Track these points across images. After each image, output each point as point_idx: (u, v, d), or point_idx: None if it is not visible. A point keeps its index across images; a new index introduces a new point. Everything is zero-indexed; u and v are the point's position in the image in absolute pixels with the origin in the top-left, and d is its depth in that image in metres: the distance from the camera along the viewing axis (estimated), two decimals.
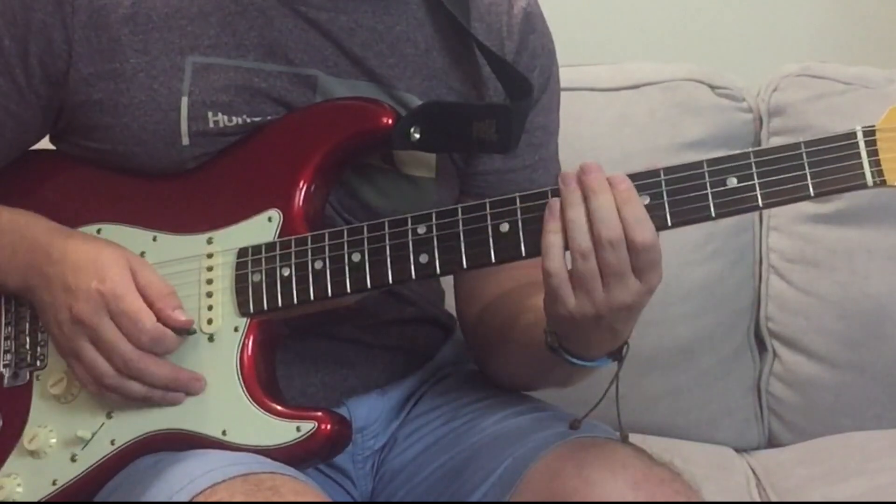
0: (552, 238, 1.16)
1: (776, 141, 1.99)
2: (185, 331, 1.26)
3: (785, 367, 1.97)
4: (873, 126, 1.14)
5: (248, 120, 1.32)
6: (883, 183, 1.12)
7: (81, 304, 1.24)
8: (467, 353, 1.51)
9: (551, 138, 1.48)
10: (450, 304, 1.57)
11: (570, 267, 1.16)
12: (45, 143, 1.42)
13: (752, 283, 1.99)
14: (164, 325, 1.25)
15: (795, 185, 1.14)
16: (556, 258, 1.16)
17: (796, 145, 1.15)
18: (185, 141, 1.31)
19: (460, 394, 1.44)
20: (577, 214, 1.15)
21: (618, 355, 1.25)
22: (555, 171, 1.47)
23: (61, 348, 1.28)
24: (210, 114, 1.31)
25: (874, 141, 1.13)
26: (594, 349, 1.23)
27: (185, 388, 1.27)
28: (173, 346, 1.26)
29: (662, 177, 1.17)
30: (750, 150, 1.17)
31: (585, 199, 1.16)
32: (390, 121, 1.29)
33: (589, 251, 1.14)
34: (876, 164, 1.12)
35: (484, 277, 1.39)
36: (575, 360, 1.24)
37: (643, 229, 1.14)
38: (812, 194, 1.14)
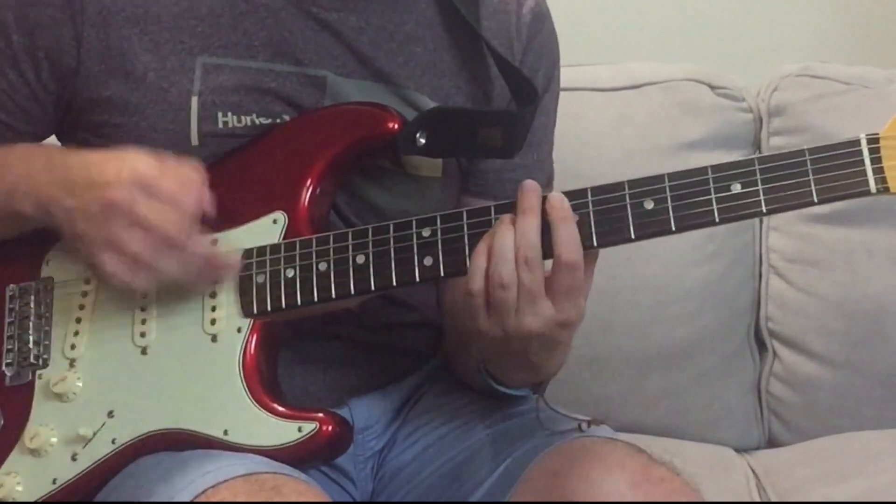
0: (480, 261, 1.18)
1: (776, 141, 1.99)
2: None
3: (785, 367, 1.98)
4: (877, 134, 1.14)
5: (258, 120, 1.32)
6: (886, 190, 1.13)
7: (114, 190, 1.20)
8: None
9: (548, 137, 1.49)
10: None
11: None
12: (48, 142, 1.43)
13: (752, 283, 1.99)
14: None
15: (799, 191, 1.15)
16: (478, 281, 1.17)
17: (800, 152, 1.16)
18: (195, 141, 1.31)
19: (460, 394, 1.44)
20: (502, 245, 1.17)
21: (539, 390, 1.29)
22: (548, 170, 1.48)
23: (91, 246, 1.22)
24: (220, 114, 1.32)
25: (878, 149, 1.14)
26: (513, 378, 1.27)
27: (220, 267, 1.25)
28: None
29: (667, 182, 1.18)
30: (754, 156, 1.18)
31: (515, 218, 1.18)
32: (396, 126, 1.30)
33: (510, 283, 1.16)
34: (879, 171, 1.13)
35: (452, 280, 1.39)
36: (496, 386, 1.28)
37: (570, 249, 1.16)
38: (815, 201, 1.15)
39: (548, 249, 1.17)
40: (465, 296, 1.19)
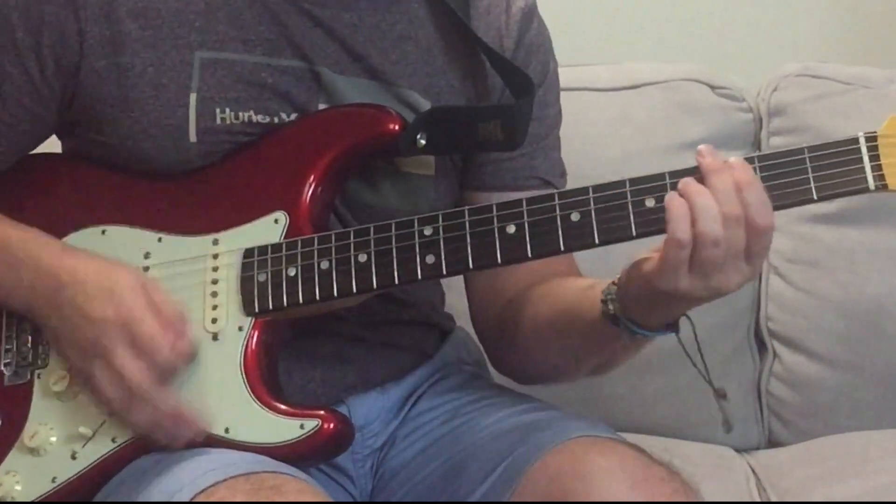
0: (682, 210, 1.15)
1: (776, 141, 1.99)
2: (192, 358, 1.27)
3: (785, 367, 1.98)
4: (875, 132, 1.16)
5: (255, 117, 1.32)
6: (884, 187, 1.15)
7: (100, 330, 1.23)
8: (483, 349, 1.52)
9: (551, 129, 1.48)
10: (449, 304, 1.57)
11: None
12: (49, 144, 1.42)
13: (752, 283, 1.99)
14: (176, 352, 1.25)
15: (799, 188, 1.16)
16: (687, 230, 1.14)
17: (799, 150, 1.17)
18: (193, 138, 1.32)
19: (460, 393, 1.44)
20: (705, 202, 1.15)
21: (675, 327, 1.26)
22: (555, 159, 1.48)
23: (76, 370, 1.28)
24: (217, 110, 1.32)
25: (876, 146, 1.15)
26: (655, 320, 1.24)
27: (184, 424, 1.25)
28: (183, 366, 1.26)
29: (668, 180, 1.19)
30: (754, 154, 1.18)
31: (705, 178, 1.16)
32: (397, 127, 1.30)
33: (721, 239, 1.14)
34: (878, 168, 1.15)
35: (499, 277, 1.40)
36: (637, 330, 1.25)
37: (766, 212, 1.15)
38: (815, 198, 1.17)
39: None
40: (672, 249, 1.15)
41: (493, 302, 1.44)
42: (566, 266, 1.41)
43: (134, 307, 1.24)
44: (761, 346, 2.01)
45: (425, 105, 1.37)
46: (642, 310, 1.23)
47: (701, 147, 1.19)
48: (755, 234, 1.15)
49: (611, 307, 1.25)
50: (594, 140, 1.93)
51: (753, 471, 1.88)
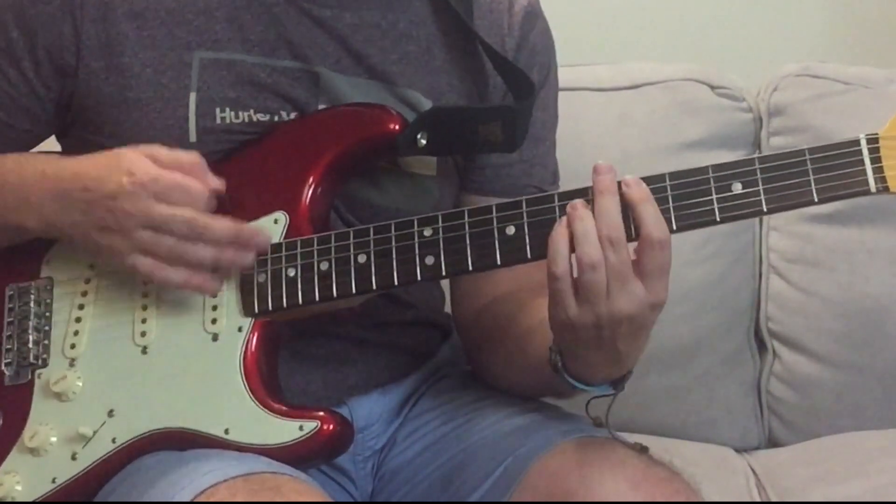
0: (560, 243, 1.15)
1: (776, 141, 1.99)
2: (221, 191, 1.26)
3: (785, 367, 1.98)
4: (876, 134, 1.15)
5: (255, 116, 1.33)
6: (886, 190, 1.14)
7: (124, 201, 1.22)
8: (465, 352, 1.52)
9: (549, 133, 1.49)
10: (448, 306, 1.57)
11: (576, 275, 1.15)
12: (48, 145, 1.42)
13: (752, 283, 1.99)
14: None
15: (799, 190, 1.16)
16: (562, 262, 1.15)
17: (800, 152, 1.16)
18: (193, 138, 1.32)
19: (460, 393, 1.44)
20: (584, 226, 1.14)
21: (620, 386, 1.25)
22: (551, 166, 1.48)
23: (120, 255, 1.25)
24: (217, 110, 1.32)
25: (877, 148, 1.14)
26: (596, 371, 1.22)
27: (250, 239, 1.25)
28: (213, 207, 1.25)
29: (668, 182, 1.18)
30: (755, 156, 1.18)
31: (593, 198, 1.16)
32: (397, 127, 1.30)
33: (598, 263, 1.13)
34: (879, 171, 1.14)
35: (482, 277, 1.38)
36: (575, 383, 1.24)
37: (657, 227, 1.14)
38: (816, 200, 1.16)
39: (626, 231, 1.15)
40: (550, 282, 1.15)
41: (472, 301, 1.44)
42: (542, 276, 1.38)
43: (146, 167, 1.23)
44: (761, 346, 2.01)
45: (426, 105, 1.37)
46: (579, 363, 1.22)
47: (596, 165, 1.17)
48: (650, 250, 1.14)
49: (552, 357, 1.24)
50: (594, 140, 1.93)
51: (753, 471, 1.88)
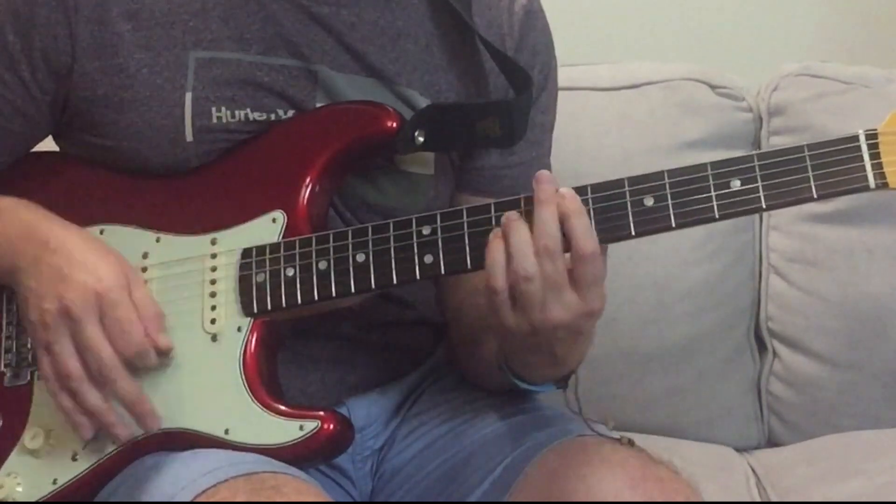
0: (496, 256, 1.17)
1: (776, 140, 1.99)
2: (165, 355, 1.26)
3: (785, 366, 1.97)
4: (875, 130, 1.15)
5: (252, 115, 1.32)
6: (885, 185, 1.14)
7: (73, 296, 1.22)
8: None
9: (547, 135, 1.49)
10: None
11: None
12: (46, 144, 1.42)
13: (752, 283, 1.99)
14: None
15: (798, 186, 1.16)
16: (499, 277, 1.17)
17: (799, 148, 1.16)
18: (189, 137, 1.32)
19: (458, 393, 1.44)
20: (519, 239, 1.16)
21: (563, 384, 1.27)
22: (546, 166, 1.47)
23: (35, 337, 1.26)
24: (213, 109, 1.32)
25: (876, 144, 1.14)
26: (537, 372, 1.26)
27: (141, 415, 1.25)
28: (153, 364, 1.26)
29: (667, 179, 1.18)
30: (754, 152, 1.18)
31: (524, 212, 1.17)
32: (395, 124, 1.30)
33: (533, 275, 1.15)
34: (878, 166, 1.14)
35: (457, 278, 1.40)
36: (518, 382, 1.27)
37: (588, 239, 1.15)
38: (815, 196, 1.16)
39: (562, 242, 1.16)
40: (488, 293, 1.18)
41: (455, 293, 1.45)
42: None
43: (115, 288, 1.24)
44: (761, 345, 2.01)
45: (424, 102, 1.37)
46: (520, 365, 1.25)
47: (538, 173, 1.19)
48: (581, 263, 1.15)
49: (500, 358, 1.27)
50: (594, 140, 1.93)
51: (753, 470, 1.88)
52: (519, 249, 1.16)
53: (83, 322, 1.22)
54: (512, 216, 1.18)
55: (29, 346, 1.33)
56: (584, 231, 1.15)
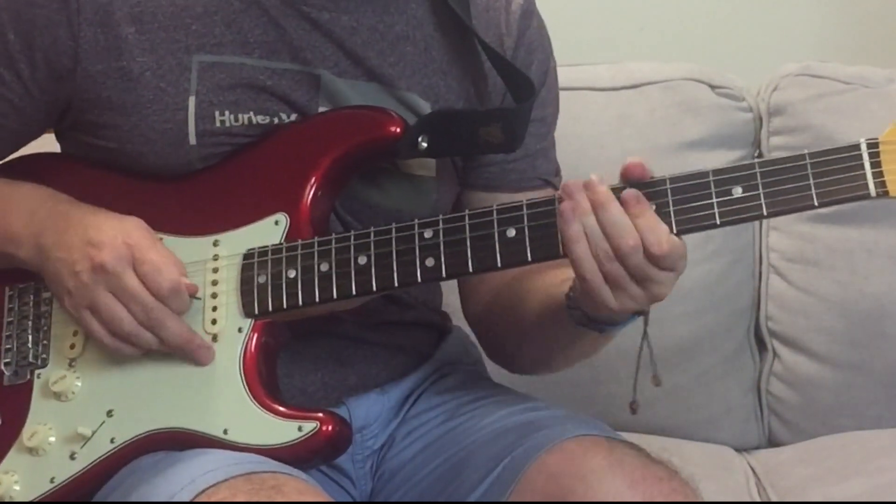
0: (579, 247, 1.19)
1: (776, 140, 1.99)
2: (193, 296, 1.28)
3: (785, 366, 1.98)
4: (876, 139, 1.16)
5: (255, 119, 1.33)
6: (885, 194, 1.15)
7: (106, 253, 1.24)
8: (480, 346, 1.53)
9: (550, 129, 1.49)
10: (447, 303, 1.57)
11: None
12: (47, 145, 1.42)
13: (752, 283, 1.99)
14: None
15: (799, 194, 1.16)
16: (588, 264, 1.18)
17: (801, 156, 1.17)
18: (193, 140, 1.32)
19: (458, 393, 1.44)
20: (593, 221, 1.18)
21: (642, 310, 1.27)
22: (553, 158, 1.49)
23: (76, 302, 1.27)
24: (217, 113, 1.32)
25: (877, 153, 1.15)
26: (619, 313, 1.25)
27: (195, 349, 1.27)
28: (185, 305, 1.27)
29: (668, 185, 1.19)
30: (755, 160, 1.19)
31: (595, 212, 1.18)
32: (399, 130, 1.30)
33: (617, 253, 1.17)
34: (879, 175, 1.15)
35: (478, 281, 1.42)
36: (606, 328, 1.28)
37: (659, 238, 1.18)
38: (816, 204, 1.16)
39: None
40: (585, 286, 1.20)
41: (480, 292, 1.45)
42: None
43: (143, 237, 1.26)
44: (761, 345, 2.01)
45: (424, 106, 1.37)
46: (607, 318, 1.27)
47: (564, 185, 1.21)
48: (654, 260, 1.19)
49: (575, 315, 1.27)
50: (594, 140, 1.93)
51: (753, 470, 1.88)
52: (595, 234, 1.18)
53: (120, 274, 1.24)
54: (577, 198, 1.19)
55: (29, 344, 1.33)
56: (652, 230, 1.18)
